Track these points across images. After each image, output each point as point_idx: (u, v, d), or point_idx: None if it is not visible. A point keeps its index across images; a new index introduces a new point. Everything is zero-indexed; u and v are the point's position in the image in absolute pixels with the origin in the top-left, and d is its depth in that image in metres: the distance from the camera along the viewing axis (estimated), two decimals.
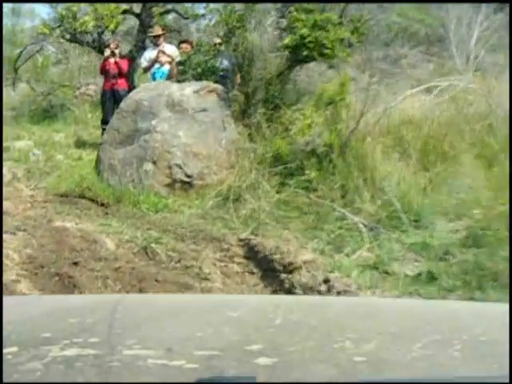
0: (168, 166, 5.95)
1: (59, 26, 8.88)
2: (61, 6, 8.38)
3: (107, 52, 7.84)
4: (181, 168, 5.94)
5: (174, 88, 6.34)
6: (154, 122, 6.11)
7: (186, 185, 5.97)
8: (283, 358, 1.00)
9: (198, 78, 6.77)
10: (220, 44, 7.01)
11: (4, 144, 7.90)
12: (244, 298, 2.28)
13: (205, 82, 6.52)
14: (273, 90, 6.74)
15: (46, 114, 9.77)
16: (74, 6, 8.11)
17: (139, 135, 6.12)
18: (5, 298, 1.90)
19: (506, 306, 1.32)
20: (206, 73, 6.78)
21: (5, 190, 6.44)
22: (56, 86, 11.51)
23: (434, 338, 1.11)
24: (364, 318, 1.29)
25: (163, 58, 7.82)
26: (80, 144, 8.11)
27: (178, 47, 7.57)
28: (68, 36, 9.00)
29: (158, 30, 8.22)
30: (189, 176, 5.94)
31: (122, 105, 6.40)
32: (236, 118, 6.59)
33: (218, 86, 6.58)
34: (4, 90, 11.49)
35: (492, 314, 1.37)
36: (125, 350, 1.03)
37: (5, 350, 1.01)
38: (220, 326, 1.19)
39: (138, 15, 10.25)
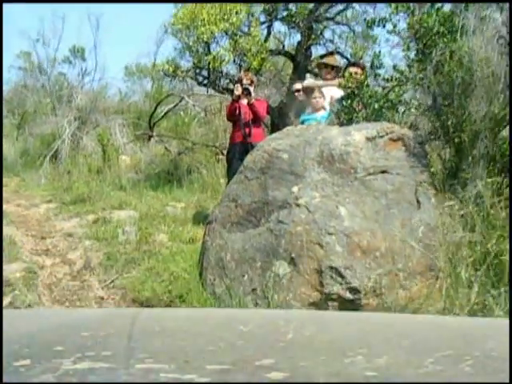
0: (317, 270, 3.28)
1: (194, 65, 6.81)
2: (191, 37, 6.30)
3: (237, 90, 5.41)
4: (340, 274, 3.23)
5: (334, 133, 3.71)
6: (295, 189, 3.53)
7: (349, 304, 3.24)
8: (295, 373, 1.00)
9: (373, 119, 4.12)
10: (413, 64, 4.25)
11: (102, 213, 5.89)
12: (256, 313, 2.16)
13: (386, 124, 3.83)
14: (505, 139, 3.84)
15: (170, 178, 7.69)
16: (205, 34, 5.98)
17: (270, 211, 3.55)
18: (17, 311, 1.86)
19: None
20: (385, 111, 4.10)
21: (71, 283, 4.30)
22: (196, 147, 9.59)
23: (445, 354, 1.10)
24: (375, 333, 1.30)
25: (318, 100, 5.33)
26: (201, 219, 5.75)
27: (344, 73, 5.01)
28: (199, 77, 6.94)
29: (330, 60, 5.81)
30: (355, 290, 3.21)
31: (246, 160, 3.89)
32: (438, 188, 3.79)
33: (408, 132, 3.87)
34: (137, 149, 9.88)
35: (503, 330, 1.34)
36: (137, 363, 1.03)
37: (17, 363, 1.01)
38: (232, 340, 1.21)
39: (291, 56, 8.11)
